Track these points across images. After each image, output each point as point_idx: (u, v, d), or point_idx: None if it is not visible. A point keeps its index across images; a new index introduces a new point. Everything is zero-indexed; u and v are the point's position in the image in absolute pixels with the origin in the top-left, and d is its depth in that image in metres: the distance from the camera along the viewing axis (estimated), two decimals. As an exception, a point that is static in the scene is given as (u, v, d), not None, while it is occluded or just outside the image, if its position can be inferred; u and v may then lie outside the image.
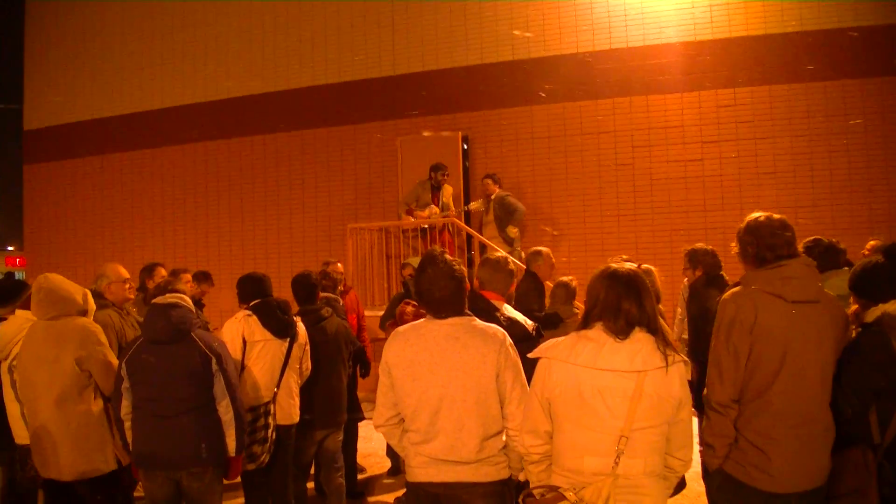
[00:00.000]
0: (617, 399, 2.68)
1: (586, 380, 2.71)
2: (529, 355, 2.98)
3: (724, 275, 6.14)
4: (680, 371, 2.73)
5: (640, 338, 2.72)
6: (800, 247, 4.42)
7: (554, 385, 2.78)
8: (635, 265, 4.38)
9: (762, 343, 3.11)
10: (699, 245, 6.20)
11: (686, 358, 2.81)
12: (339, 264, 7.49)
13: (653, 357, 2.69)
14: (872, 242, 6.59)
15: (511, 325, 3.83)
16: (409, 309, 6.09)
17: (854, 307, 3.51)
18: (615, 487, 2.67)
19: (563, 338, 2.87)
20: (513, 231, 9.81)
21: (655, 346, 2.70)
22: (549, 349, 2.85)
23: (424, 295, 3.22)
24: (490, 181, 10.03)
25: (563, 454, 2.81)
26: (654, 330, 2.74)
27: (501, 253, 4.60)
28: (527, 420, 2.93)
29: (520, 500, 2.92)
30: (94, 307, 4.69)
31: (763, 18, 9.73)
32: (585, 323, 2.84)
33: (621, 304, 2.72)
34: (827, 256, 4.63)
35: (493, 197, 9.98)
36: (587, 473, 2.72)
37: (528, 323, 4.11)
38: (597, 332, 2.76)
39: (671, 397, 2.71)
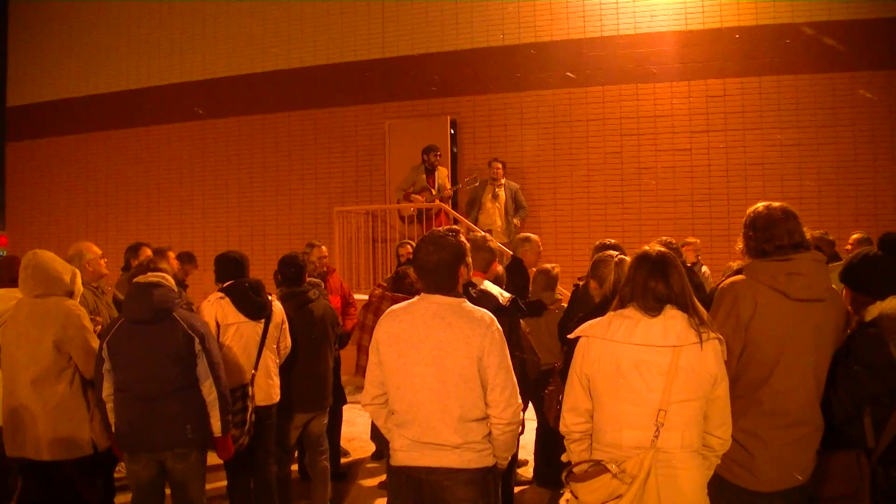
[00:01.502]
0: (653, 373, 2.79)
1: (623, 354, 2.84)
2: (569, 336, 3.12)
3: (694, 267, 6.03)
4: (715, 347, 2.82)
5: (673, 314, 2.84)
6: None
7: (593, 361, 2.92)
8: (616, 254, 4.41)
9: (758, 340, 3.02)
10: (663, 238, 6.08)
11: (721, 335, 2.88)
12: (322, 247, 7.44)
13: (687, 333, 2.80)
14: (856, 235, 6.56)
15: (482, 297, 3.84)
16: (378, 291, 6.08)
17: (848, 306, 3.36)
18: (655, 461, 2.75)
19: (600, 318, 3.00)
20: (516, 221, 9.98)
21: (689, 323, 2.81)
22: (587, 328, 3.00)
23: (420, 262, 3.20)
24: (500, 166, 10.05)
25: (602, 429, 2.91)
26: (684, 307, 2.85)
27: (481, 233, 4.60)
28: (568, 398, 3.05)
29: (563, 478, 2.99)
30: (82, 288, 4.65)
31: (754, 9, 9.72)
32: (621, 304, 2.96)
33: (648, 282, 2.87)
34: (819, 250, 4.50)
35: (502, 182, 10.02)
36: (626, 447, 2.82)
37: (504, 295, 4.09)
38: (631, 311, 2.89)
39: (707, 373, 2.79)
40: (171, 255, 6.87)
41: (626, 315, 2.89)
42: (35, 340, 4.19)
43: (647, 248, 3.00)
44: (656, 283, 2.85)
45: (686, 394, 2.76)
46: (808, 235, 3.56)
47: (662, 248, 2.97)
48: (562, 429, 3.08)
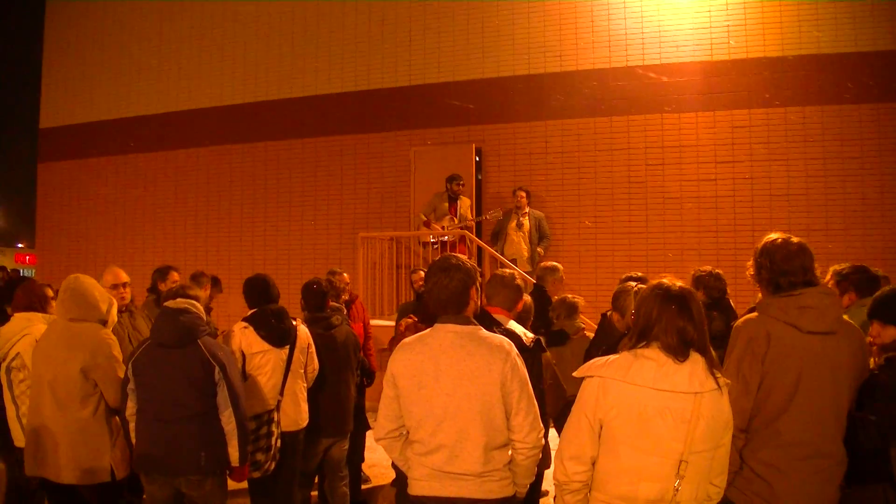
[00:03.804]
0: (676, 421, 2.60)
1: (648, 401, 2.63)
2: (575, 374, 2.90)
3: (730, 299, 6.08)
4: (727, 393, 2.71)
5: (695, 359, 2.67)
6: (830, 272, 4.31)
7: (610, 406, 2.70)
8: (635, 284, 4.37)
9: (774, 373, 3.03)
10: (705, 268, 6.15)
11: (729, 381, 2.75)
12: (344, 274, 7.49)
13: (708, 379, 2.64)
14: (835, 267, 5.82)
15: (507, 336, 3.81)
16: (407, 321, 6.08)
17: (870, 338, 3.39)
18: None
19: (615, 357, 2.79)
20: (540, 250, 10.00)
21: (706, 367, 2.66)
22: (603, 368, 2.76)
23: (432, 286, 3.20)
24: (524, 194, 10.08)
25: (612, 480, 2.71)
26: (702, 350, 2.69)
27: (510, 269, 4.61)
28: (571, 444, 2.81)
29: None
30: (116, 319, 4.73)
31: (780, 40, 9.71)
32: (641, 341, 2.75)
33: (677, 322, 2.66)
34: (871, 285, 4.41)
35: (526, 211, 10.06)
36: (641, 500, 2.64)
37: (527, 335, 4.07)
38: (654, 352, 2.68)
39: (723, 419, 2.67)
40: (205, 279, 6.96)
41: (650, 356, 2.67)
42: (63, 363, 4.25)
43: (665, 282, 2.78)
44: (685, 323, 2.65)
45: (706, 443, 2.62)
46: (833, 269, 3.60)
47: (681, 283, 2.78)
48: (559, 477, 2.83)
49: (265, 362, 4.95)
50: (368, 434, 6.46)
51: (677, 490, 2.60)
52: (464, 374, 3.05)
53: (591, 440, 2.75)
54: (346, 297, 7.21)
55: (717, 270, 6.11)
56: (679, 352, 2.65)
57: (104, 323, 4.50)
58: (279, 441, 4.87)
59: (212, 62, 13.08)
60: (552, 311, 6.21)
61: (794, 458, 3.01)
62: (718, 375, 2.67)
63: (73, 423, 4.27)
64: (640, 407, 2.64)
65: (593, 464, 2.78)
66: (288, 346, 5.03)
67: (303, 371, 5.14)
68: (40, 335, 4.48)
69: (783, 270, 3.16)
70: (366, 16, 11.90)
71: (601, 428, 2.73)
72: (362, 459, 6.68)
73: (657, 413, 2.61)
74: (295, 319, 5.18)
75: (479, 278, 3.28)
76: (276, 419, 4.87)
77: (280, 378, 4.98)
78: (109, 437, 4.35)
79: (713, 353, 2.73)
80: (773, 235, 3.30)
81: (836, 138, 9.47)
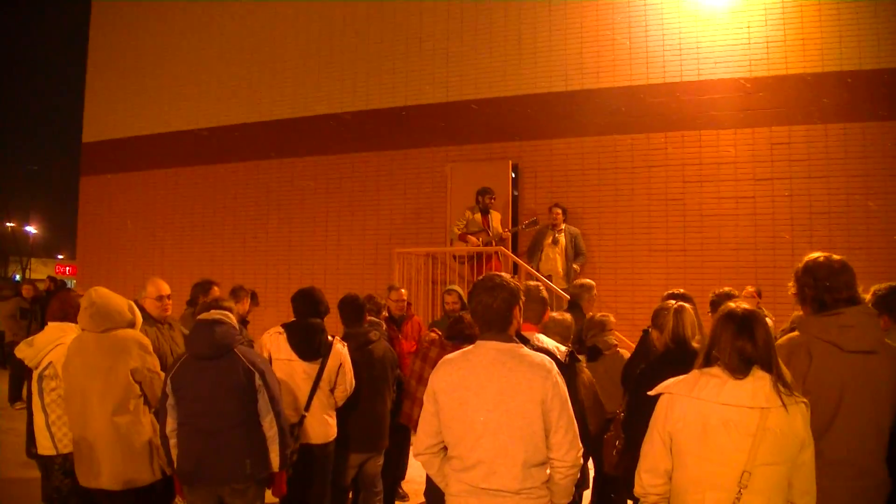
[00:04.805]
0: (741, 433, 2.68)
1: (710, 413, 2.74)
2: (650, 393, 3.02)
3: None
4: (802, 411, 2.73)
5: (760, 375, 2.74)
6: (871, 291, 4.27)
7: (677, 419, 2.84)
8: (674, 302, 4.36)
9: (815, 392, 3.01)
10: (723, 289, 6.12)
11: (806, 399, 2.78)
12: (401, 290, 7.51)
13: (773, 395, 2.70)
14: (875, 287, 5.71)
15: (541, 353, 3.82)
16: (429, 337, 6.04)
17: None
18: None
19: (684, 375, 2.93)
20: (576, 267, 9.97)
21: (774, 384, 2.72)
22: (671, 385, 2.92)
23: (476, 304, 3.20)
24: (560, 211, 10.09)
25: (684, 491, 2.83)
26: (768, 366, 2.76)
27: (534, 282, 4.60)
28: (646, 458, 2.96)
29: None
30: (141, 319, 4.79)
31: (820, 56, 9.61)
32: (706, 362, 2.88)
33: (735, 342, 2.77)
34: None
35: (562, 228, 10.06)
36: None
37: (560, 349, 4.06)
38: (717, 370, 2.81)
39: (794, 436, 2.69)
40: (244, 293, 7.03)
41: (713, 374, 2.80)
42: (110, 370, 4.32)
43: (731, 304, 2.91)
44: (743, 342, 2.76)
45: (772, 457, 2.66)
46: (874, 289, 3.58)
47: (747, 305, 2.88)
48: (637, 491, 2.99)
49: (288, 372, 4.98)
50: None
51: (738, 499, 2.66)
52: (504, 390, 3.05)
53: (663, 454, 2.89)
54: (384, 313, 7.16)
55: (734, 291, 6.06)
56: (737, 369, 2.75)
57: (132, 325, 4.60)
58: (295, 455, 4.82)
59: (249, 79, 13.29)
60: (585, 332, 6.21)
61: (837, 477, 3.00)
62: (786, 392, 2.72)
63: (126, 428, 4.33)
64: (703, 419, 2.76)
65: (669, 478, 2.90)
66: (319, 362, 5.04)
67: (330, 390, 5.12)
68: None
69: (828, 287, 3.18)
70: (403, 32, 12.02)
71: (671, 441, 2.87)
72: (403, 476, 6.66)
73: (721, 424, 2.72)
74: (333, 337, 5.20)
75: (522, 297, 3.28)
76: (295, 434, 4.86)
77: (304, 392, 4.99)
78: (156, 435, 4.41)
79: (784, 370, 2.78)
80: (815, 255, 3.33)
81: (878, 155, 9.33)
